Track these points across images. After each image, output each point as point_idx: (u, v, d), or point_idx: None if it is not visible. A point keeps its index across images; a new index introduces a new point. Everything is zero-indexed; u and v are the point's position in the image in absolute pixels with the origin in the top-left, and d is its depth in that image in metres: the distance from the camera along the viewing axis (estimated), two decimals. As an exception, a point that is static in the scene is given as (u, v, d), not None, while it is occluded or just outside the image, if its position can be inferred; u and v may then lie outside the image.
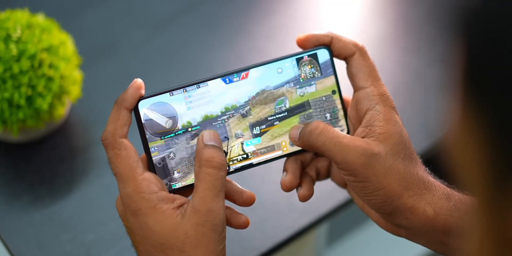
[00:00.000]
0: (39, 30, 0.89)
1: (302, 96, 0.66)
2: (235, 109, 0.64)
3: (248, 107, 0.65)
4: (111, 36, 1.05)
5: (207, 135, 0.61)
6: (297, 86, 0.66)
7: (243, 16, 1.07)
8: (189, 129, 0.64)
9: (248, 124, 0.65)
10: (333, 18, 1.07)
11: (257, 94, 0.65)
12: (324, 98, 0.67)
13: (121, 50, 1.04)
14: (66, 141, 0.96)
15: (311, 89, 0.66)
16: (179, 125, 0.64)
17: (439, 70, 1.02)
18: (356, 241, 1.46)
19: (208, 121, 0.64)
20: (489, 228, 0.38)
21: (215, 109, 0.64)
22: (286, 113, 0.66)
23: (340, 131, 0.64)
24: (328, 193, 0.93)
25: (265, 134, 0.66)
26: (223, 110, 0.64)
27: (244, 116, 0.65)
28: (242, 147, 0.65)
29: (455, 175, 0.40)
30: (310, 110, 0.66)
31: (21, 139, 0.93)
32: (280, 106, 0.66)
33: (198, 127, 0.64)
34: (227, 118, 0.64)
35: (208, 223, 0.59)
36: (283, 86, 0.65)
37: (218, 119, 0.64)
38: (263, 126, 0.65)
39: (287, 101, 0.66)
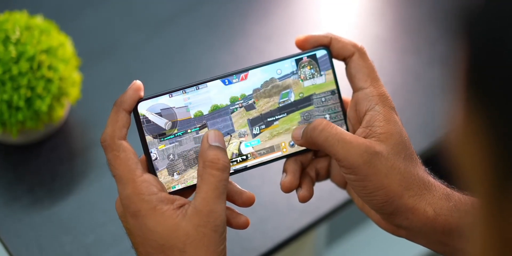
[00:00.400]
0: (38, 32, 0.89)
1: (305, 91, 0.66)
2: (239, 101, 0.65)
3: (253, 100, 0.65)
4: (110, 37, 1.05)
5: (212, 136, 0.61)
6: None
7: (243, 16, 1.07)
8: (189, 131, 0.64)
9: (249, 119, 0.65)
10: (332, 19, 1.07)
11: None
12: (323, 99, 0.67)
13: (121, 51, 1.04)
14: (65, 143, 0.96)
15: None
16: (192, 114, 0.63)
17: (438, 70, 1.02)
18: (355, 241, 1.46)
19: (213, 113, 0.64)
20: (492, 229, 0.38)
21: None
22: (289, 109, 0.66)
23: None
24: (327, 193, 0.93)
25: (265, 132, 0.66)
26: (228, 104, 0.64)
27: (248, 109, 0.65)
28: (239, 146, 0.65)
29: (457, 176, 0.40)
30: (312, 107, 0.67)
31: (20, 141, 0.93)
32: (284, 99, 0.66)
33: (197, 128, 0.64)
34: (233, 111, 0.65)
35: (210, 224, 0.59)
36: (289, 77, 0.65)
37: (226, 109, 0.64)
38: (267, 122, 0.66)
39: (292, 95, 0.66)
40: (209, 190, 0.59)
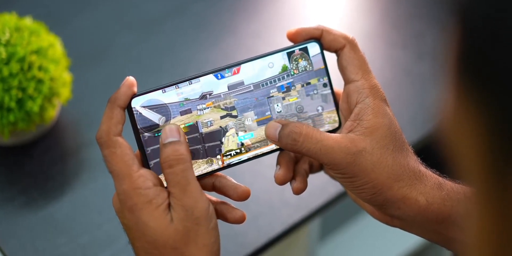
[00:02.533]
0: (28, 33, 0.89)
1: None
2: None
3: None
4: (101, 38, 1.05)
5: (163, 135, 0.61)
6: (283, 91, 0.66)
7: (232, 14, 1.08)
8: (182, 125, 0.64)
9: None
10: (320, 14, 1.08)
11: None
12: (315, 91, 0.67)
13: (112, 52, 1.04)
14: (57, 143, 0.96)
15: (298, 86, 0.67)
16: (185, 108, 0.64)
17: (426, 63, 1.03)
18: (348, 235, 1.47)
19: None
20: (489, 217, 0.38)
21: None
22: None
23: (327, 126, 0.66)
24: (320, 188, 0.93)
25: (258, 124, 0.66)
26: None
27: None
28: (237, 139, 0.66)
29: (451, 165, 0.40)
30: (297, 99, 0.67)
31: (12, 142, 0.93)
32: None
33: (191, 123, 0.64)
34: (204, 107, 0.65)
35: (189, 218, 0.59)
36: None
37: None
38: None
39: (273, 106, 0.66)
40: (171, 187, 0.59)
